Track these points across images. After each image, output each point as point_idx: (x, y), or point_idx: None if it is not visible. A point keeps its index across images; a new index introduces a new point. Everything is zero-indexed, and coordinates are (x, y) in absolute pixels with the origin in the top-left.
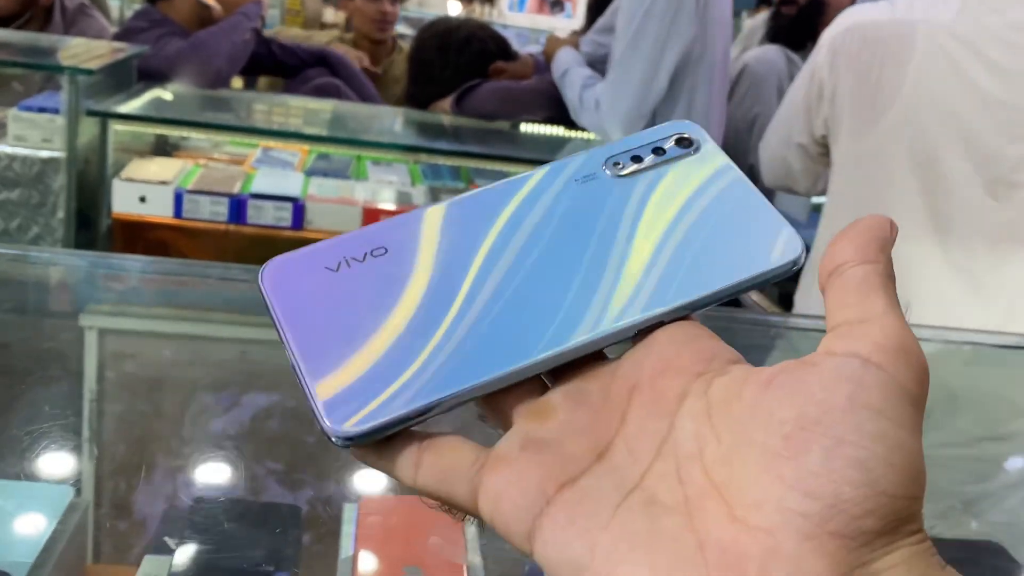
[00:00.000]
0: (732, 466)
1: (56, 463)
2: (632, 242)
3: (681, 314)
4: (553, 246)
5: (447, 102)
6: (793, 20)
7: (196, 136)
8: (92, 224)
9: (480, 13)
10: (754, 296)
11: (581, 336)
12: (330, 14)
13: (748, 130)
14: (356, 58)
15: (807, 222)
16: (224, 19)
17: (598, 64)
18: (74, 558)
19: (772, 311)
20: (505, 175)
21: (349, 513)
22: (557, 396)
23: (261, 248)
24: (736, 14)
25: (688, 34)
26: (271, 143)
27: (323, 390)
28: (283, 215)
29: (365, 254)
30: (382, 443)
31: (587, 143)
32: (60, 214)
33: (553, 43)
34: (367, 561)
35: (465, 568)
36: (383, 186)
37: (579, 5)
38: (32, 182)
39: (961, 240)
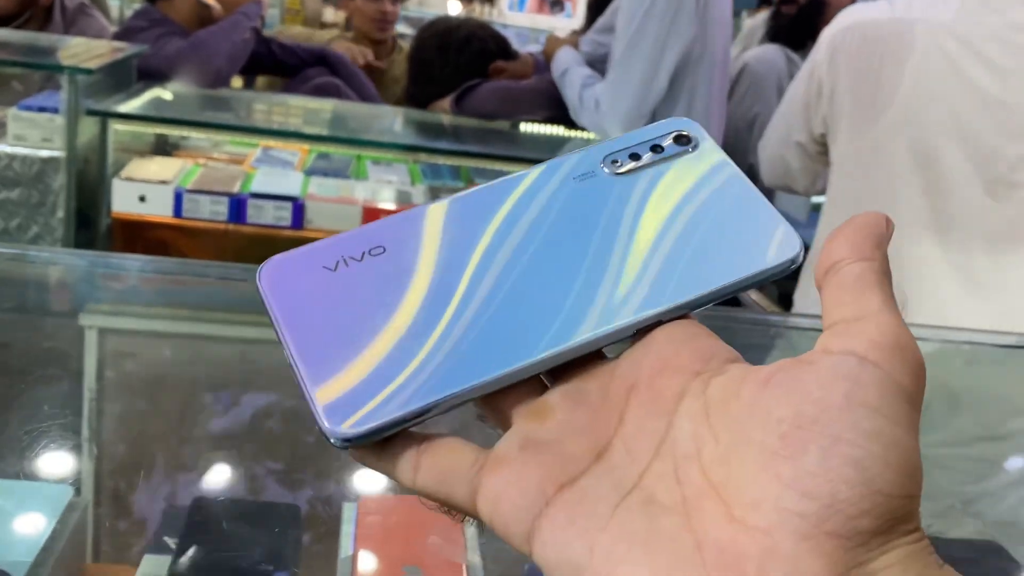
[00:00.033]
0: (730, 465)
1: (55, 462)
2: (630, 241)
3: (679, 313)
4: (551, 245)
5: (447, 102)
6: (793, 19)
7: (196, 135)
8: (92, 223)
9: (480, 12)
10: (753, 295)
11: (580, 336)
12: (330, 13)
13: (748, 129)
14: (361, 54)
15: (807, 221)
16: (224, 19)
17: (598, 64)
18: (73, 557)
19: (771, 310)
20: (505, 175)
21: (348, 512)
22: (556, 396)
23: (261, 247)
24: (736, 14)
25: (688, 34)
26: (271, 142)
27: (322, 391)
28: (283, 214)
29: (363, 253)
30: (381, 444)
31: (587, 143)
32: (60, 213)
33: (553, 43)
34: (366, 560)
35: (464, 567)
36: (383, 185)
37: (579, 5)
38: (32, 181)
39: (960, 239)
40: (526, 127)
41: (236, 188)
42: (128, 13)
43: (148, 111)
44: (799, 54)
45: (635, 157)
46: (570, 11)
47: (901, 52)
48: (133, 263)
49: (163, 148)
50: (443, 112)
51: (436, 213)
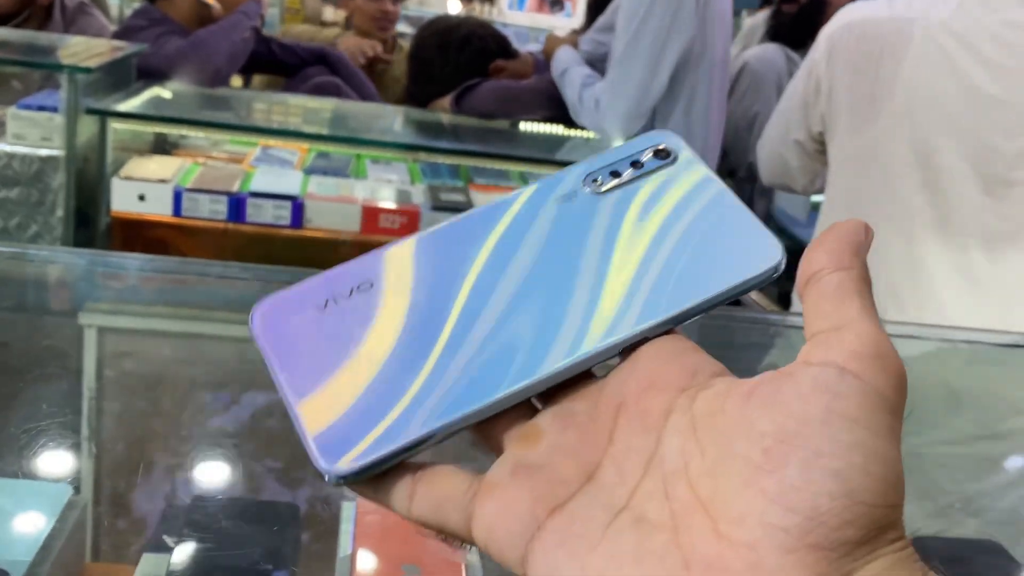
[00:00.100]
0: (716, 480)
1: (55, 461)
2: (613, 260)
3: (665, 328)
4: (537, 270)
5: (447, 101)
6: (794, 19)
7: (195, 134)
8: (91, 222)
9: (480, 12)
10: (753, 295)
11: (568, 359)
12: (329, 13)
13: (748, 128)
14: (370, 46)
15: (806, 221)
16: (224, 18)
17: (598, 63)
18: (72, 556)
19: (771, 309)
20: (504, 174)
21: (347, 512)
22: (545, 419)
23: (260, 246)
24: (736, 12)
25: (688, 33)
26: (270, 141)
27: (317, 431)
28: (282, 213)
29: (351, 289)
30: (377, 476)
31: (586, 142)
32: (59, 212)
33: (552, 42)
34: (365, 560)
35: (463, 567)
36: (382, 185)
37: (579, 4)
38: (31, 180)
39: (958, 237)
40: (526, 126)
41: (235, 187)
42: (128, 12)
43: (147, 110)
44: (799, 53)
45: (616, 174)
46: (570, 10)
47: (899, 50)
48: (132, 262)
49: (162, 147)
50: (443, 111)
51: (421, 245)
